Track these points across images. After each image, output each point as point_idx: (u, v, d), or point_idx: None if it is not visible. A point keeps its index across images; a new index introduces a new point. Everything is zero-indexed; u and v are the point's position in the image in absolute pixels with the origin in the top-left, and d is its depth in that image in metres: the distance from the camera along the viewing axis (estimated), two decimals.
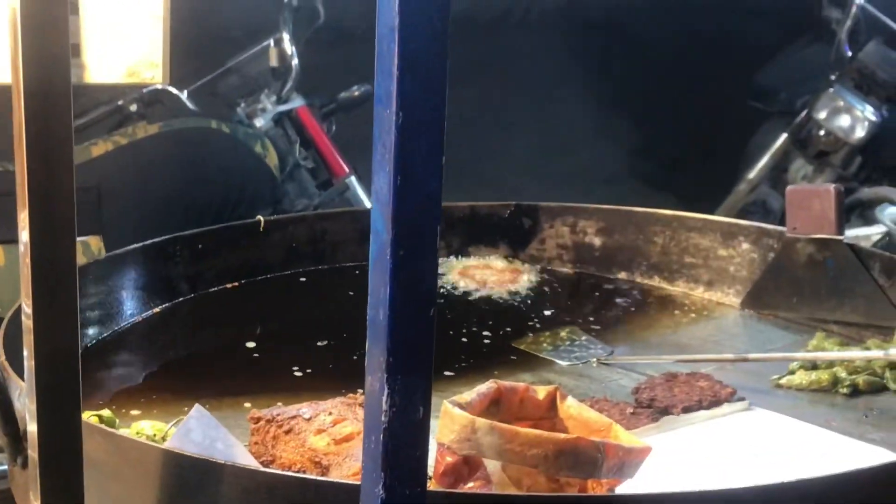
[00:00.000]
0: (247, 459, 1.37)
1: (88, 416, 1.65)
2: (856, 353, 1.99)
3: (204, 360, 2.03)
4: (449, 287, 2.40)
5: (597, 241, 2.47)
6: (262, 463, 1.55)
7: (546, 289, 2.40)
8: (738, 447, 1.76)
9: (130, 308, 2.14)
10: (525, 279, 2.42)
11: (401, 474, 1.13)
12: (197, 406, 1.43)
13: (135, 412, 1.80)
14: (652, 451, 1.40)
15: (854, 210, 2.34)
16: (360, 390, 1.69)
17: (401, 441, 1.12)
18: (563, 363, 2.08)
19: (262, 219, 2.34)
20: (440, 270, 2.43)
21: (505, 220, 2.50)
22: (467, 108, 7.54)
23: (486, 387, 1.45)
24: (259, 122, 4.30)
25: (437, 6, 1.02)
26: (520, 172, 6.80)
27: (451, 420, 1.34)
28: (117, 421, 1.70)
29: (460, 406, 1.37)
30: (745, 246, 2.36)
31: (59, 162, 1.22)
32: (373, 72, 1.06)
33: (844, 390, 1.96)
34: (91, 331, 2.05)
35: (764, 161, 5.54)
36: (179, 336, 2.12)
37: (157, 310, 2.19)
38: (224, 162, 4.15)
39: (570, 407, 1.48)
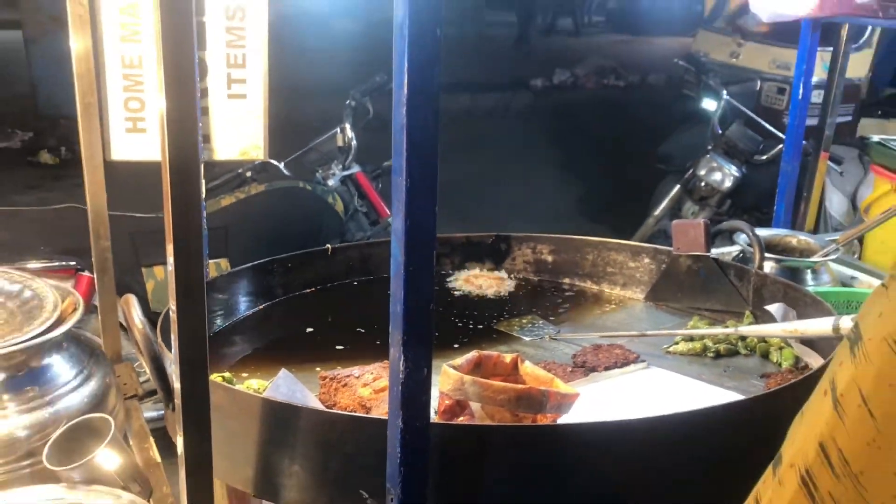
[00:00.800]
0: (316, 404, 1.38)
1: (215, 377, 1.68)
2: (716, 330, 1.99)
3: (291, 341, 2.04)
4: (457, 290, 2.38)
5: (549, 258, 2.47)
6: (327, 407, 1.57)
7: (520, 291, 2.39)
8: (639, 394, 1.77)
9: (244, 306, 2.15)
10: (507, 284, 2.42)
11: (413, 412, 1.15)
12: (283, 370, 1.45)
13: (245, 375, 1.82)
14: (580, 396, 1.42)
15: (717, 236, 2.32)
16: None
17: (412, 391, 1.14)
18: (527, 339, 2.08)
19: (329, 246, 2.35)
20: (451, 279, 2.44)
21: (489, 245, 2.49)
22: (468, 171, 7.60)
23: (471, 354, 1.47)
24: (331, 182, 4.33)
25: (431, 110, 1.05)
26: (505, 213, 6.82)
27: (448, 377, 1.36)
28: (234, 380, 1.72)
29: (454, 367, 1.39)
30: (647, 260, 2.36)
31: (193, 211, 1.24)
32: None
33: (711, 355, 1.97)
34: (218, 321, 2.07)
35: (664, 203, 5.54)
36: (276, 325, 2.13)
37: (261, 307, 2.20)
38: (308, 209, 4.19)
39: (527, 367, 1.50)
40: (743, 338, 1.98)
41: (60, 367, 1.77)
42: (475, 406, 1.37)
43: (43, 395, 1.72)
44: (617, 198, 6.95)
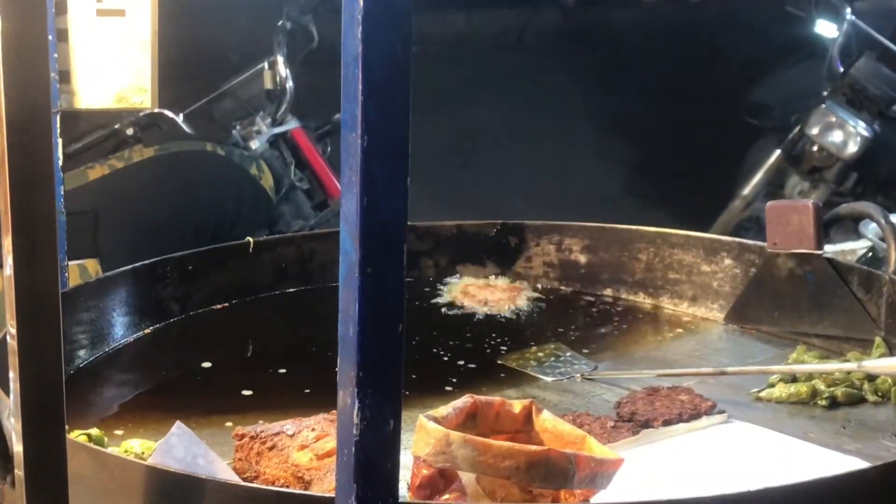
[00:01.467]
0: (228, 474, 1.40)
1: (77, 435, 1.68)
2: (830, 366, 2.01)
3: (191, 380, 2.05)
4: (449, 306, 2.42)
5: (582, 259, 2.49)
6: (245, 479, 1.58)
7: (542, 305, 2.42)
8: (716, 459, 1.78)
9: (121, 330, 2.17)
10: (522, 298, 2.44)
11: (373, 485, 1.16)
12: (178, 423, 1.46)
13: (122, 431, 1.82)
14: (624, 463, 1.44)
15: (834, 225, 2.35)
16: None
17: (372, 453, 1.15)
18: (548, 379, 2.10)
19: (251, 240, 2.37)
20: (441, 290, 2.47)
21: (491, 238, 2.52)
22: (462, 129, 7.60)
23: (461, 401, 1.48)
24: (254, 145, 4.33)
25: (399, 34, 1.06)
26: (514, 194, 6.83)
27: (427, 433, 1.37)
28: (106, 440, 1.72)
29: (435, 420, 1.40)
30: (728, 261, 2.38)
31: (42, 189, 1.24)
32: None
33: (823, 402, 1.98)
34: (82, 352, 2.08)
35: (758, 177, 5.55)
36: (169, 357, 2.14)
37: (147, 331, 2.22)
38: (220, 184, 4.18)
39: (546, 420, 1.52)
40: (872, 377, 2.00)
41: None
42: (467, 478, 1.38)
43: None
44: (687, 170, 6.96)
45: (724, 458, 1.78)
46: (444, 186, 6.61)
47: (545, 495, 1.39)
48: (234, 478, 1.39)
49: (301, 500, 1.34)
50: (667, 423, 1.88)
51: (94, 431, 1.72)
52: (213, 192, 4.17)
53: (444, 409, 1.45)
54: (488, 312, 2.39)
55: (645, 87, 8.66)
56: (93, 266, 3.77)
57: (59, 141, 2.16)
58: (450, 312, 2.40)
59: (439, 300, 2.44)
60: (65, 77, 2.15)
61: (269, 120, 4.37)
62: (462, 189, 6.80)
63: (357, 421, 1.14)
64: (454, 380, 2.08)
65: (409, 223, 1.13)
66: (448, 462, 1.36)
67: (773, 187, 5.59)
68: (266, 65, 4.36)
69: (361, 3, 1.03)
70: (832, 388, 2.00)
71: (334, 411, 1.70)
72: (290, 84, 4.36)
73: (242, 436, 1.62)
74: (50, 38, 2.02)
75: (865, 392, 2.00)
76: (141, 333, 2.20)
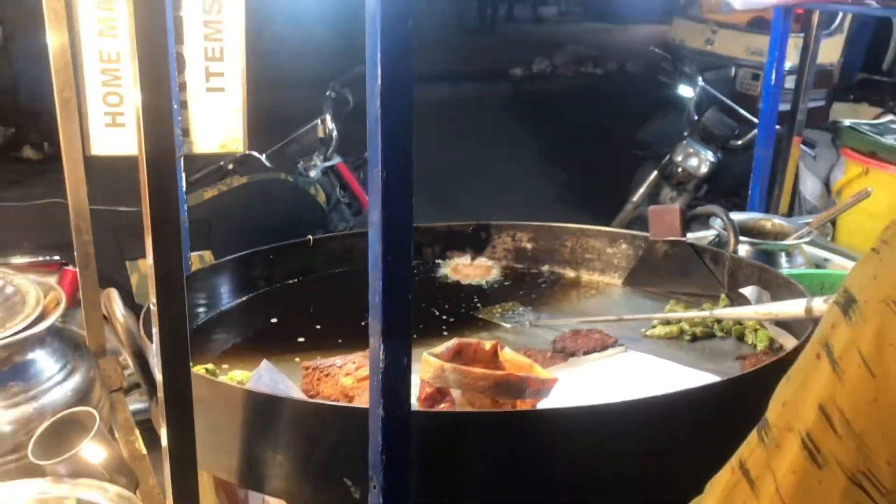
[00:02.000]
0: (298, 395, 1.38)
1: (198, 369, 1.67)
2: (691, 314, 2.00)
3: (275, 331, 2.03)
4: (443, 279, 2.39)
5: (529, 246, 2.47)
6: (309, 397, 1.56)
7: (503, 280, 2.39)
8: (617, 377, 1.78)
9: (226, 298, 2.14)
10: (493, 273, 2.42)
11: (393, 401, 1.14)
12: (265, 361, 1.45)
13: (227, 366, 1.81)
14: (559, 381, 1.43)
15: (693, 221, 2.33)
16: None
17: (392, 381, 1.13)
18: (508, 325, 2.08)
19: (311, 238, 2.34)
20: (439, 268, 2.44)
21: (469, 234, 2.49)
22: (451, 161, 7.59)
23: (451, 342, 1.47)
24: (312, 174, 4.32)
25: (405, 102, 1.04)
26: (487, 201, 6.82)
27: (429, 364, 1.36)
28: (217, 371, 1.71)
29: (435, 355, 1.39)
30: (624, 246, 2.36)
31: (171, 206, 1.23)
32: None
33: (688, 338, 1.97)
34: (201, 313, 2.05)
35: (642, 189, 5.55)
36: (259, 316, 2.11)
37: (244, 298, 2.19)
38: (290, 200, 4.17)
39: (507, 354, 1.51)
40: (719, 321, 1.99)
41: (44, 362, 1.76)
42: (456, 393, 1.37)
43: (27, 390, 1.72)
44: (596, 184, 6.96)
45: (625, 377, 1.78)
46: (441, 200, 6.61)
47: (507, 404, 1.38)
48: (303, 397, 1.38)
49: (348, 411, 1.32)
50: (586, 353, 1.88)
51: (210, 366, 1.70)
52: (285, 205, 4.16)
53: (440, 348, 1.44)
54: (470, 283, 2.37)
55: (568, 129, 8.68)
56: (208, 256, 3.75)
57: (183, 174, 2.14)
58: (445, 283, 2.37)
59: (438, 275, 2.41)
60: (185, 132, 2.13)
61: (321, 157, 4.36)
62: (451, 201, 6.79)
63: (382, 358, 1.12)
64: (446, 328, 2.06)
65: (415, 225, 1.12)
66: (443, 383, 1.35)
67: (652, 196, 5.59)
68: (319, 121, 4.34)
69: (380, 83, 1.01)
70: (693, 329, 1.99)
71: (367, 350, 1.71)
72: (335, 133, 4.34)
73: (307, 367, 1.60)
74: (175, 106, 2.02)
75: (715, 330, 1.99)
76: (240, 300, 2.17)
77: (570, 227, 2.43)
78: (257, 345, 1.91)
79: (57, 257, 3.56)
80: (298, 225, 4.19)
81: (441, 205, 6.59)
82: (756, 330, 1.94)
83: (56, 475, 1.56)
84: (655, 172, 5.46)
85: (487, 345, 1.50)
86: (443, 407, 1.35)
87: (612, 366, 1.83)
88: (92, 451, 1.57)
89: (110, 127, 2.05)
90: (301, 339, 1.94)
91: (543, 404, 1.42)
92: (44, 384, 1.72)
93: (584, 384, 1.72)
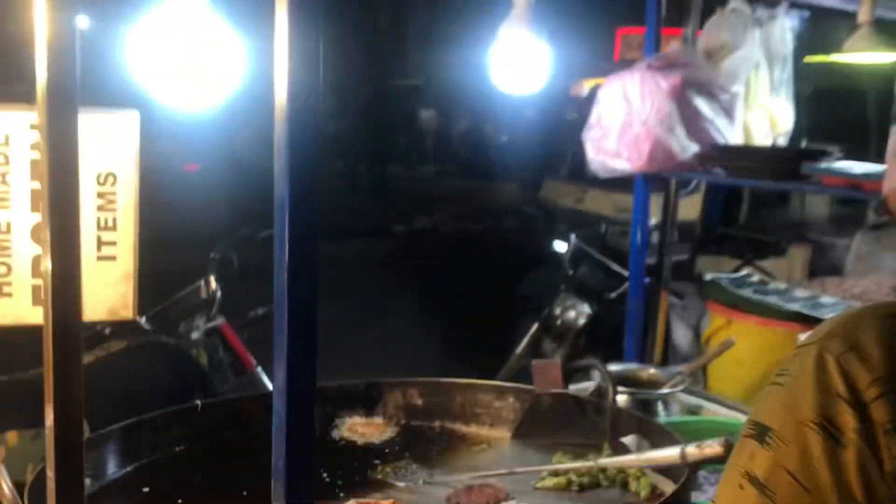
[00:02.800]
0: None
1: None
2: (577, 465, 2.09)
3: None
4: (340, 440, 2.40)
5: (420, 402, 2.52)
6: None
7: (397, 437, 2.42)
8: None
9: (112, 468, 2.09)
10: (388, 431, 2.45)
11: None
12: None
13: None
14: None
15: (575, 373, 2.48)
16: None
17: None
18: (402, 484, 2.12)
19: (199, 403, 2.35)
20: (334, 428, 2.45)
21: (362, 391, 2.53)
22: (338, 319, 7.63)
23: None
24: (194, 335, 4.29)
25: (311, 279, 1.14)
26: (375, 358, 6.84)
27: None
28: None
29: None
30: (511, 399, 2.45)
31: (74, 373, 1.26)
32: (270, 299, 1.14)
33: (575, 488, 2.06)
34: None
35: (525, 342, 5.73)
36: (143, 488, 2.06)
37: (129, 469, 2.14)
38: (171, 364, 4.11)
39: None
40: (604, 469, 2.09)
41: None
42: None
43: None
44: (481, 337, 7.12)
45: None
46: (327, 358, 6.57)
47: None
48: None
49: None
50: None
51: None
52: (167, 369, 4.09)
53: None
54: (365, 441, 2.39)
55: (450, 284, 8.93)
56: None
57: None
58: (340, 443, 2.39)
59: (334, 436, 2.43)
60: None
61: (204, 318, 4.34)
62: (337, 359, 6.77)
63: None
64: (342, 491, 2.07)
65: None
66: None
67: (535, 347, 5.77)
68: (203, 282, 4.36)
69: (287, 260, 1.11)
70: (581, 478, 2.08)
71: None
72: (218, 294, 4.36)
73: None
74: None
75: (600, 479, 2.09)
76: (123, 471, 2.13)
77: (460, 383, 2.52)
78: None
79: None
80: (181, 389, 4.12)
81: (327, 362, 6.57)
82: (639, 478, 2.06)
83: None
84: (536, 325, 5.67)
85: None
86: None
87: None
88: None
89: None
90: None
91: None
92: None
93: None
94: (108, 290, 2.16)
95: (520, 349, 5.71)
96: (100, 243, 2.14)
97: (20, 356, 3.65)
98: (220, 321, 4.39)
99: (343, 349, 7.01)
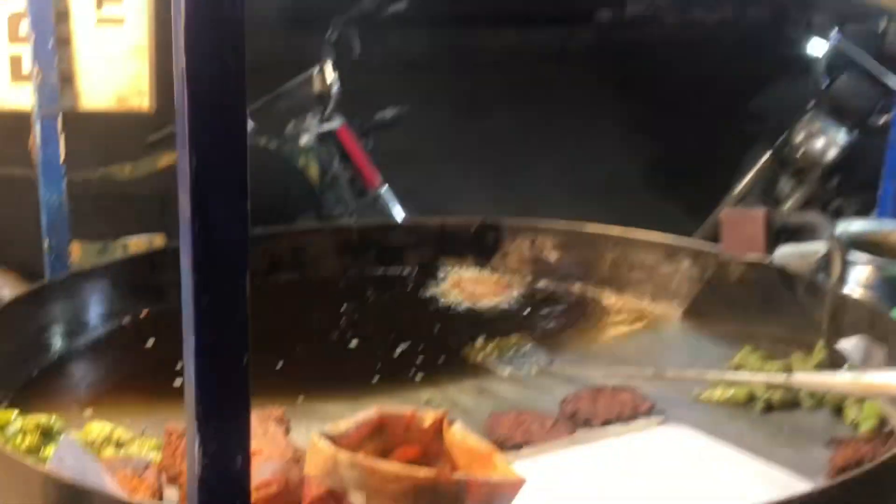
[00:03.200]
0: (111, 488, 1.14)
1: (29, 421, 1.46)
2: (760, 378, 1.74)
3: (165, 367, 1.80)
4: (435, 298, 2.18)
5: (554, 256, 2.24)
6: (170, 477, 1.33)
7: (520, 300, 2.16)
8: (643, 467, 1.51)
9: (106, 317, 1.94)
10: (511, 293, 2.20)
11: None
12: (65, 437, 1.22)
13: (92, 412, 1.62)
14: (525, 483, 1.17)
15: (786, 232, 2.06)
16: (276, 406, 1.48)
17: (219, 491, 0.89)
18: (505, 372, 1.86)
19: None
20: (437, 282, 2.23)
21: (472, 235, 2.27)
22: (511, 130, 7.35)
23: (366, 415, 1.22)
24: (304, 140, 4.11)
25: (229, 36, 0.79)
26: (551, 183, 6.56)
27: (316, 452, 1.11)
28: (58, 425, 1.49)
29: (331, 438, 1.14)
30: (686, 263, 2.11)
31: None
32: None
33: (760, 406, 1.71)
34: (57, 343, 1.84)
35: (749, 177, 5.23)
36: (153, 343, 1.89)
37: (144, 313, 1.99)
38: (272, 175, 3.96)
39: (456, 433, 1.25)
40: None
41: None
42: (358, 501, 1.11)
43: None
44: (697, 167, 6.63)
45: (651, 468, 1.51)
46: (495, 181, 6.38)
47: None
48: (116, 492, 1.14)
49: None
50: (605, 423, 1.63)
51: (45, 419, 1.48)
52: (267, 181, 3.94)
53: (346, 424, 1.19)
54: (471, 305, 2.14)
55: (664, 94, 8.34)
56: (158, 240, 3.57)
57: (62, 139, 1.94)
58: (434, 305, 2.15)
59: (428, 293, 2.19)
60: (67, 80, 1.91)
61: (317, 119, 4.15)
62: (504, 181, 6.55)
63: (199, 456, 0.88)
64: (419, 370, 1.84)
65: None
66: (336, 484, 1.10)
67: (765, 186, 5.27)
68: (315, 71, 4.13)
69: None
70: (769, 393, 1.72)
71: (271, 409, 1.47)
72: (336, 88, 4.12)
73: (171, 433, 1.36)
74: (51, 42, 1.80)
75: (801, 397, 1.72)
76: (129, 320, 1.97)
77: (613, 233, 2.21)
78: (142, 384, 1.72)
79: None
80: (283, 208, 3.98)
81: (493, 188, 6.33)
82: (861, 402, 1.66)
83: None
84: (768, 155, 5.13)
85: (427, 419, 1.24)
86: None
87: (639, 446, 1.58)
88: None
89: None
90: None
91: None
92: None
93: (585, 479, 1.46)
94: (114, 68, 1.92)
95: (741, 186, 5.19)
96: (100, 0, 1.88)
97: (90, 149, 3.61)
98: (337, 124, 4.17)
99: (515, 171, 6.76)
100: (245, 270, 0.86)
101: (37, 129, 1.90)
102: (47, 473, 1.13)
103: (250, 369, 0.88)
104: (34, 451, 1.42)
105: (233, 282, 0.85)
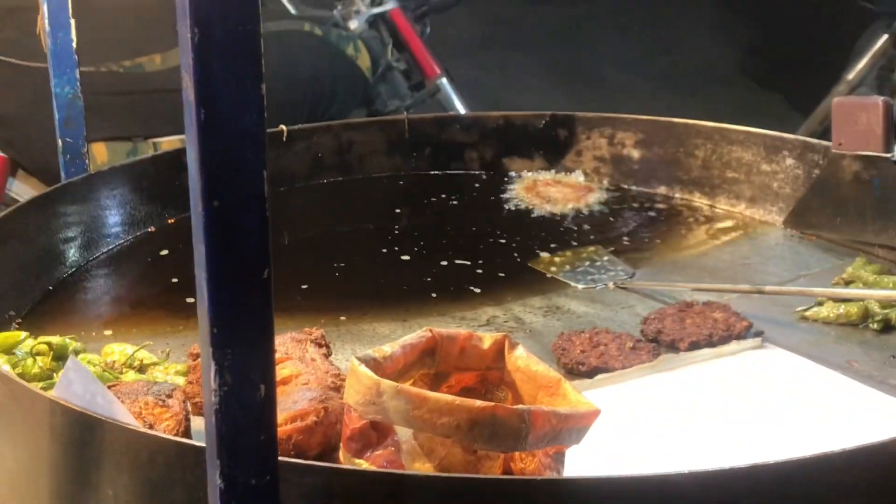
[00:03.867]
0: (124, 416, 1.12)
1: (40, 342, 1.45)
2: (883, 293, 1.67)
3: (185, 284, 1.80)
4: (506, 202, 2.15)
5: (636, 154, 2.18)
6: (195, 404, 1.31)
7: (596, 207, 2.12)
8: (733, 397, 1.46)
9: (126, 226, 1.94)
10: (592, 197, 2.16)
11: (241, 462, 0.87)
12: (72, 359, 1.20)
13: (111, 332, 1.62)
14: (599, 414, 1.12)
15: None
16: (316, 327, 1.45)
17: (238, 425, 0.86)
18: (578, 286, 1.82)
19: (284, 128, 2.08)
20: (511, 184, 2.21)
21: (540, 130, 2.21)
22: (583, 13, 7.19)
23: (416, 336, 1.17)
24: (353, 25, 4.07)
25: None
26: (627, 73, 6.43)
27: (357, 380, 1.07)
28: (73, 346, 1.48)
29: (374, 361, 1.09)
30: (790, 161, 2.05)
31: None
32: None
33: (875, 326, 1.65)
34: (73, 252, 1.84)
35: (863, 62, 5.03)
36: (175, 256, 1.88)
37: (171, 220, 1.97)
38: (316, 63, 3.91)
39: (519, 358, 1.20)
40: None
41: None
42: (403, 433, 1.08)
43: None
44: (803, 50, 6.45)
45: (743, 397, 1.45)
46: (571, 68, 6.26)
47: (493, 458, 1.08)
48: (130, 421, 1.12)
49: (165, 446, 1.05)
50: (693, 345, 1.59)
51: (58, 339, 1.47)
52: (309, 70, 3.91)
53: (391, 347, 1.14)
54: (546, 211, 2.11)
55: None
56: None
57: (72, 22, 1.90)
58: (507, 206, 2.13)
59: (506, 195, 2.16)
60: None
61: (368, 1, 4.09)
62: (588, 69, 6.44)
63: (216, 386, 0.84)
64: (481, 284, 1.81)
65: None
66: (379, 414, 1.06)
67: (881, 72, 5.08)
68: None
69: None
70: (886, 311, 1.67)
71: (307, 329, 1.44)
72: None
73: (197, 356, 1.34)
74: None
75: None
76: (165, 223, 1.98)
77: (704, 126, 2.15)
78: (166, 301, 1.72)
79: None
80: (331, 101, 3.95)
81: (565, 81, 6.23)
82: None
83: None
84: (885, 37, 4.94)
85: (487, 341, 1.20)
86: (377, 457, 1.06)
87: (734, 372, 1.53)
88: None
89: None
90: None
91: (573, 453, 1.13)
92: None
93: (669, 411, 1.41)
94: None
95: (854, 73, 5.02)
96: None
97: (115, 39, 3.58)
98: (390, 5, 4.11)
99: (596, 57, 6.64)
100: (262, 167, 0.81)
101: (44, 10, 1.86)
102: (53, 400, 1.11)
103: (272, 285, 0.83)
104: (46, 375, 1.41)
105: (247, 181, 0.80)
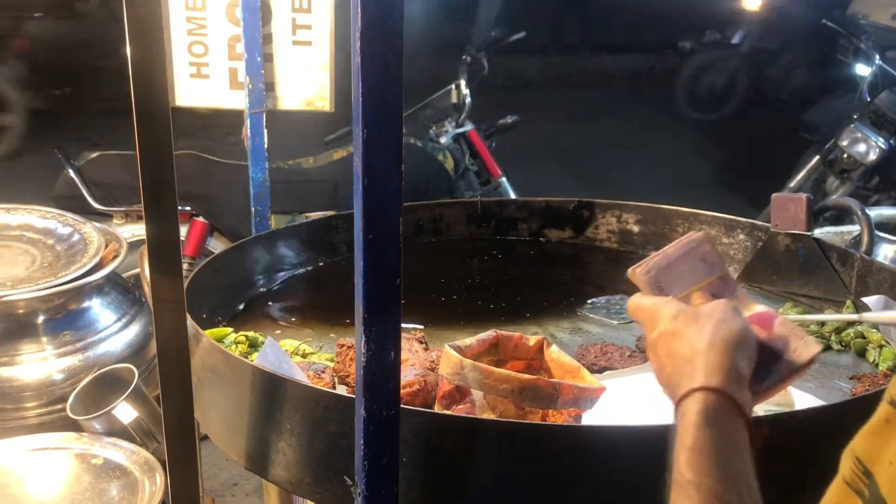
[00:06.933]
0: (300, 377, 1.23)
1: (238, 336, 1.55)
2: (834, 316, 1.71)
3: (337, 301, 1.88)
4: (541, 259, 2.19)
5: (636, 228, 2.22)
6: (340, 378, 1.41)
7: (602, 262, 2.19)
8: None
9: (305, 260, 2.02)
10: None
11: (377, 400, 0.97)
12: (269, 339, 1.30)
13: (280, 332, 1.69)
14: (606, 390, 1.20)
15: (823, 213, 2.00)
16: (420, 327, 1.54)
17: (376, 375, 0.96)
18: (594, 316, 1.86)
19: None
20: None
21: (570, 211, 2.26)
22: (601, 136, 7.27)
23: (486, 334, 1.27)
24: (443, 139, 4.17)
25: (391, 50, 0.85)
26: (635, 179, 6.45)
27: (448, 359, 1.17)
28: (260, 339, 1.59)
29: (458, 349, 1.20)
30: (742, 236, 2.07)
31: (163, 162, 1.09)
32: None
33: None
34: (259, 282, 1.92)
35: (802, 174, 5.02)
36: (331, 284, 1.97)
37: (321, 264, 2.07)
38: (418, 165, 4.03)
39: (553, 352, 1.29)
40: (838, 331, 1.69)
41: (100, 311, 1.71)
42: (477, 394, 1.17)
43: (79, 340, 1.67)
44: (755, 167, 6.43)
45: None
46: (587, 177, 6.33)
47: (534, 413, 1.17)
48: (303, 380, 1.22)
49: (345, 401, 1.15)
50: None
51: (250, 334, 1.57)
52: (413, 171, 4.02)
53: (469, 340, 1.24)
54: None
55: (729, 109, 8.12)
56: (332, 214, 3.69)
57: (265, 132, 2.03)
58: (541, 263, 2.18)
59: (535, 254, 2.20)
60: (269, 87, 2.01)
61: (453, 123, 4.20)
62: (601, 178, 6.50)
63: (365, 349, 0.95)
64: (529, 311, 1.86)
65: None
66: (461, 381, 1.16)
67: (814, 183, 5.05)
68: (453, 86, 4.18)
69: (360, 24, 0.83)
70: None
71: (415, 330, 1.54)
72: (468, 99, 4.17)
73: (342, 345, 1.45)
74: (258, 59, 1.90)
75: (832, 342, 1.69)
76: (314, 266, 2.05)
77: (683, 211, 2.17)
78: (326, 315, 1.78)
79: (188, 208, 3.60)
80: (425, 191, 4.05)
81: (587, 182, 6.29)
82: (881, 346, 1.62)
83: (91, 431, 1.50)
84: (817, 158, 4.92)
85: (532, 340, 1.29)
86: (459, 409, 1.16)
87: None
88: (125, 410, 1.49)
89: (195, 77, 1.97)
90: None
91: (586, 417, 1.20)
92: (98, 334, 1.67)
93: (652, 394, 1.46)
94: (305, 78, 2.01)
95: (794, 182, 5.00)
96: (294, 26, 1.97)
97: (282, 146, 3.74)
98: (469, 127, 4.20)
99: (605, 169, 6.69)
100: (398, 216, 0.91)
101: (248, 124, 1.99)
102: (254, 366, 1.22)
103: (401, 290, 0.94)
104: (244, 356, 1.52)
105: (390, 224, 0.91)
